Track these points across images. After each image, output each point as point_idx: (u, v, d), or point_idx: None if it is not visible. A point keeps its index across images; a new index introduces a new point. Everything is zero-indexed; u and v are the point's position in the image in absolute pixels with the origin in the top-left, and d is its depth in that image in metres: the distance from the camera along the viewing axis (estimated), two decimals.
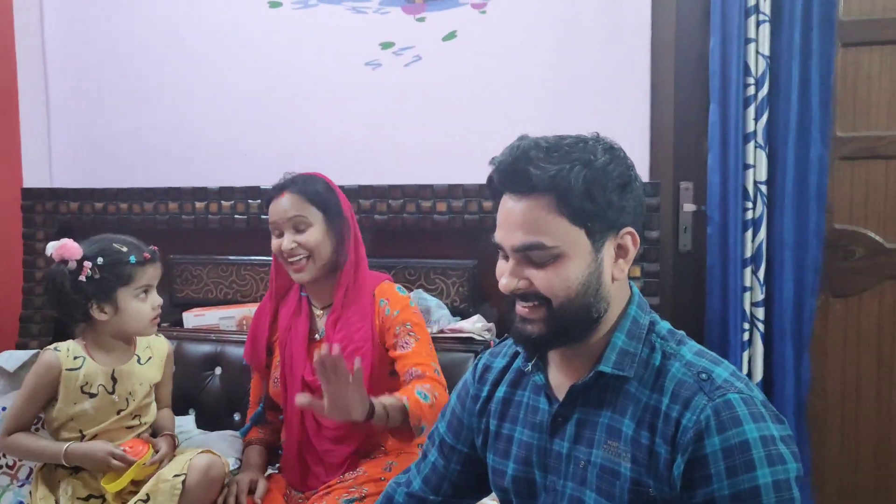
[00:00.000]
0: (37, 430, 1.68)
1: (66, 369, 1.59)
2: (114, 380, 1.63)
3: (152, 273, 1.63)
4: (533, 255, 1.00)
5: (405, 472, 1.34)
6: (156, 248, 1.66)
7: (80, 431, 1.61)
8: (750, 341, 2.09)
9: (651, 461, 0.98)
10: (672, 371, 1.00)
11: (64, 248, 1.56)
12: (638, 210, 1.04)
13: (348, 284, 1.72)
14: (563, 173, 0.97)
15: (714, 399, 0.95)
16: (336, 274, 1.73)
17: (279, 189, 1.72)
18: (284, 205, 1.69)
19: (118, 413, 1.63)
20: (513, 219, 1.01)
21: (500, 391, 1.19)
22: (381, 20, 2.33)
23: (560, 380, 1.10)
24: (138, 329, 1.63)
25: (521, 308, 1.03)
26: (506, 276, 1.02)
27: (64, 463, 1.58)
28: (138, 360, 1.68)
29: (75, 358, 1.61)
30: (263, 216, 2.28)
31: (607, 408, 1.04)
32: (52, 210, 2.48)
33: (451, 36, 2.29)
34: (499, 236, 1.04)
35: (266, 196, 1.76)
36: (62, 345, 1.64)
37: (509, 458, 1.15)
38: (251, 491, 1.66)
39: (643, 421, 1.00)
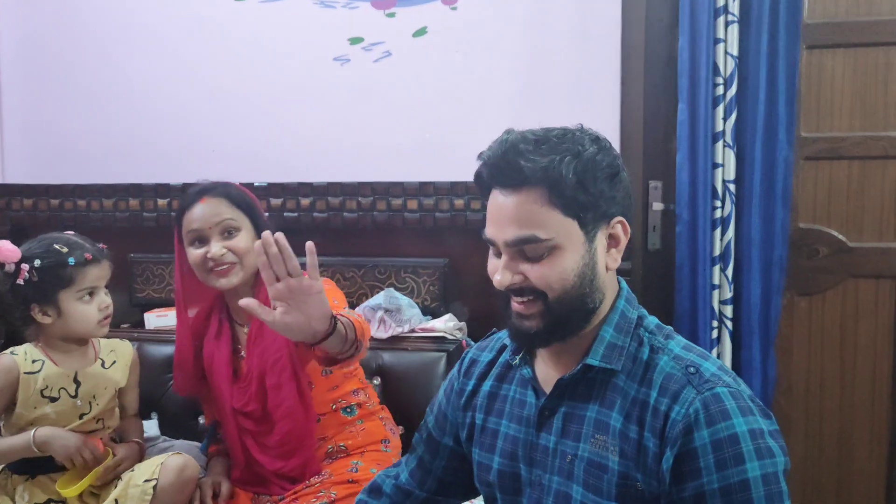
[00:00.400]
0: None
1: (25, 372, 1.53)
2: (76, 382, 1.57)
3: (96, 274, 1.56)
4: (527, 249, 0.99)
5: (395, 464, 1.34)
6: (104, 246, 1.60)
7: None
8: (718, 339, 2.11)
9: (640, 455, 0.97)
10: (660, 365, 1.00)
11: (3, 251, 1.51)
12: (627, 200, 1.04)
13: (266, 296, 1.62)
14: (553, 164, 0.97)
15: (703, 392, 0.95)
16: (256, 285, 1.62)
17: (198, 194, 1.61)
18: (209, 209, 1.58)
19: (80, 417, 1.58)
20: (505, 213, 1.00)
21: (486, 385, 1.18)
22: (350, 15, 2.29)
23: (547, 373, 1.09)
24: (85, 331, 1.57)
25: (516, 304, 1.03)
26: (500, 271, 1.01)
27: (35, 450, 1.50)
28: (102, 364, 1.63)
29: (34, 361, 1.55)
30: None
31: (594, 401, 1.03)
32: (3, 207, 2.39)
33: (422, 32, 2.26)
34: (490, 232, 1.03)
35: (181, 204, 1.63)
36: (19, 348, 1.57)
37: (495, 452, 1.14)
38: (215, 494, 1.61)
39: (631, 415, 0.99)
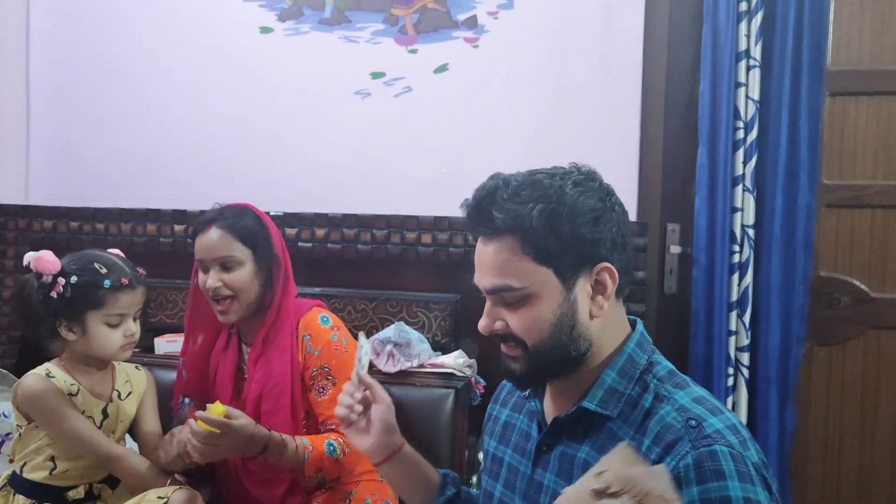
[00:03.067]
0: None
1: (68, 395, 1.50)
2: (104, 414, 1.55)
3: (128, 300, 1.52)
4: (505, 297, 0.99)
5: None
6: (143, 272, 1.57)
7: (52, 459, 1.51)
8: (734, 387, 2.06)
9: None
10: (660, 413, 0.96)
11: (41, 261, 1.49)
12: (617, 240, 1.01)
13: (271, 322, 1.63)
14: (524, 213, 0.96)
15: (698, 448, 0.89)
16: (260, 312, 1.64)
17: (206, 223, 1.62)
18: (211, 241, 1.59)
19: None
20: (484, 261, 1.01)
21: (504, 413, 1.20)
22: (373, 50, 2.32)
23: (551, 409, 1.08)
24: (106, 355, 1.54)
25: (503, 346, 1.04)
26: (483, 318, 1.03)
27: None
28: (119, 396, 1.60)
29: (71, 384, 1.52)
30: None
31: (587, 443, 1.01)
32: (25, 228, 2.42)
33: (443, 69, 2.28)
34: (475, 278, 1.04)
35: (193, 228, 1.65)
36: (51, 370, 1.52)
37: (498, 481, 1.13)
38: None
39: None
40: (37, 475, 1.52)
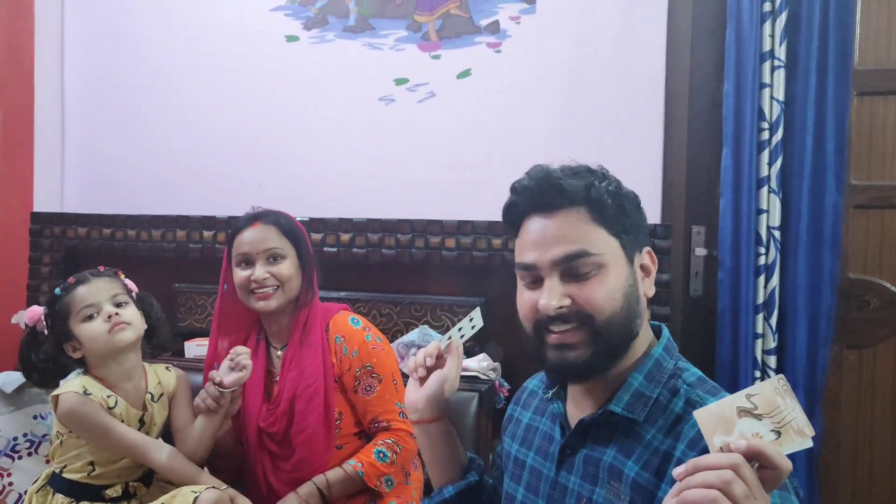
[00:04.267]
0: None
1: (108, 408, 1.56)
2: (141, 423, 1.61)
3: (85, 293, 1.57)
4: (576, 266, 0.98)
5: None
6: (101, 268, 1.64)
7: (92, 464, 1.57)
8: None
9: None
10: (694, 419, 0.96)
11: (29, 314, 1.61)
12: (648, 234, 1.09)
13: (303, 322, 1.68)
14: (595, 186, 1.00)
15: None
16: (294, 311, 1.70)
17: (251, 219, 1.68)
18: (259, 235, 1.66)
19: None
20: (549, 234, 1.00)
21: (526, 416, 1.19)
22: (396, 56, 2.34)
23: (574, 412, 1.08)
24: (102, 348, 1.57)
25: (556, 336, 0.99)
26: (545, 295, 0.98)
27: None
28: (152, 398, 1.64)
29: (108, 396, 1.57)
30: None
31: (613, 446, 1.00)
32: (59, 235, 2.48)
33: (466, 74, 2.30)
34: (531, 257, 1.01)
35: (234, 227, 1.70)
36: (76, 385, 1.57)
37: (520, 483, 1.13)
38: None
39: (650, 465, 0.95)
40: (76, 476, 1.57)
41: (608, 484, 0.99)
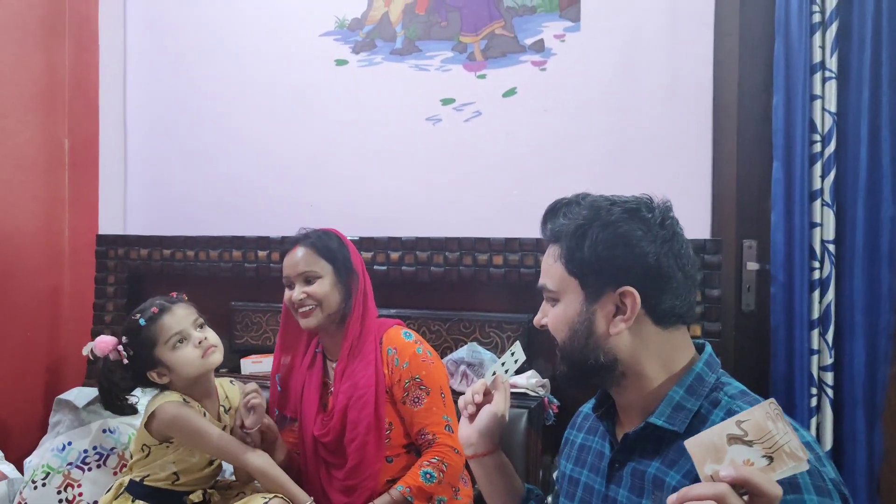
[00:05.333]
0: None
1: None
2: None
3: (172, 321, 1.63)
4: (546, 295, 1.13)
5: None
6: (174, 294, 1.70)
7: (176, 474, 1.65)
8: (818, 407, 2.00)
9: None
10: None
11: (99, 345, 1.65)
12: (653, 269, 1.04)
13: (355, 335, 1.76)
14: (565, 226, 1.08)
15: None
16: (343, 325, 1.77)
17: (293, 243, 1.80)
18: (296, 259, 1.76)
19: (210, 464, 1.69)
20: (543, 263, 1.14)
21: (579, 437, 1.24)
22: (442, 77, 2.38)
23: (621, 428, 1.13)
24: (195, 372, 1.64)
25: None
26: (538, 312, 1.15)
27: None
28: (225, 410, 1.73)
29: (200, 407, 1.66)
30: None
31: (657, 459, 1.03)
32: (123, 256, 2.58)
33: (511, 92, 2.32)
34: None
35: (281, 249, 1.84)
36: (173, 396, 1.65)
37: (573, 500, 1.17)
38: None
39: (690, 473, 0.97)
40: (160, 484, 1.64)
41: (653, 495, 1.01)
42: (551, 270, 1.10)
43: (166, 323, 1.63)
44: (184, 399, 1.63)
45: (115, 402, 1.67)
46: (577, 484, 1.17)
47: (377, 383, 1.71)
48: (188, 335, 1.64)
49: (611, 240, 1.04)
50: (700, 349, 1.11)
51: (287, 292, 1.78)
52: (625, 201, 1.07)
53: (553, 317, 1.10)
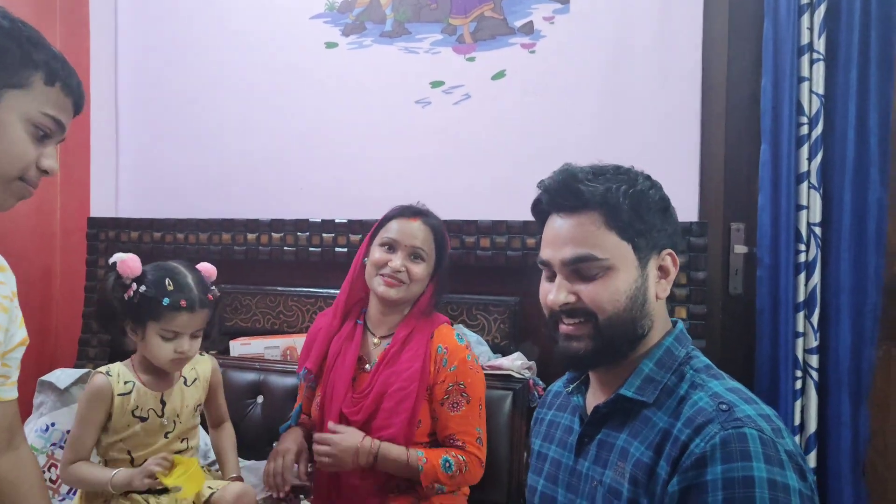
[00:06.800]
0: None
1: (118, 394, 1.59)
2: (163, 402, 1.63)
3: (184, 321, 1.57)
4: (583, 268, 1.04)
5: None
6: (212, 297, 1.62)
7: (129, 453, 1.62)
8: (803, 390, 2.00)
9: (650, 482, 0.96)
10: (693, 398, 1.00)
11: (124, 264, 1.58)
12: (676, 236, 1.10)
13: (414, 325, 1.73)
14: (611, 191, 1.04)
15: (727, 429, 0.92)
16: (409, 312, 1.75)
17: (413, 213, 1.76)
18: (415, 230, 1.73)
19: (166, 436, 1.64)
20: (563, 234, 1.06)
21: (549, 414, 1.25)
22: (432, 60, 2.38)
23: (591, 402, 1.13)
24: (156, 363, 1.61)
25: (565, 326, 1.07)
26: (554, 291, 1.07)
27: (111, 491, 1.57)
28: (185, 382, 1.69)
29: (125, 382, 1.61)
30: (312, 248, 2.35)
31: (625, 431, 1.04)
32: (114, 238, 2.59)
33: (500, 75, 2.32)
34: (547, 254, 1.08)
35: (395, 212, 1.78)
36: (113, 368, 1.63)
37: (541, 475, 1.18)
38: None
39: (652, 443, 0.99)
40: (120, 467, 1.61)
41: (616, 465, 1.03)
42: (596, 238, 1.03)
43: (179, 319, 1.57)
44: (107, 372, 1.60)
45: (104, 316, 1.63)
46: (545, 459, 1.18)
47: (422, 378, 1.68)
48: (180, 339, 1.59)
49: (652, 203, 1.05)
50: (674, 325, 1.12)
51: (382, 254, 1.72)
52: (635, 170, 1.10)
53: (607, 289, 1.03)
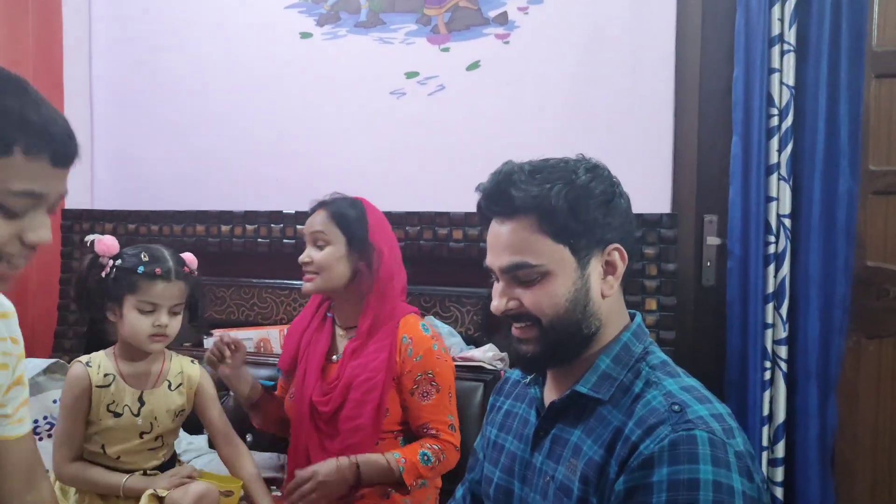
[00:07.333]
0: None
1: (96, 386, 1.56)
2: (140, 402, 1.59)
3: (161, 290, 1.54)
4: (520, 275, 1.02)
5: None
6: (188, 270, 1.59)
7: (103, 447, 1.58)
8: (772, 381, 2.01)
9: (600, 481, 0.96)
10: (647, 398, 0.98)
11: (101, 243, 1.56)
12: (626, 226, 1.06)
13: (375, 314, 1.71)
14: (544, 193, 1.00)
15: (678, 431, 0.91)
16: (361, 299, 1.73)
17: (317, 205, 1.76)
18: (314, 221, 1.72)
19: (141, 436, 1.60)
20: (500, 241, 1.04)
21: (506, 403, 1.23)
22: (406, 50, 2.37)
23: (549, 396, 1.11)
24: (135, 341, 1.57)
25: (514, 329, 1.06)
26: (496, 297, 1.05)
27: (121, 495, 1.56)
28: (168, 386, 1.64)
29: (105, 375, 1.57)
30: (286, 240, 2.35)
31: (579, 427, 1.03)
32: (88, 230, 2.57)
33: (475, 66, 2.31)
34: (488, 260, 1.07)
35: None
36: (94, 358, 1.60)
37: (497, 466, 1.17)
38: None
39: (605, 442, 0.98)
40: (98, 460, 1.59)
41: (568, 462, 1.02)
42: (530, 244, 1.00)
43: (155, 289, 1.54)
44: (87, 363, 1.57)
45: (82, 299, 1.59)
46: (501, 450, 1.18)
47: (388, 369, 1.67)
48: (158, 312, 1.55)
49: (591, 199, 1.01)
50: (632, 318, 1.10)
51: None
52: (576, 161, 1.05)
53: (545, 295, 1.01)
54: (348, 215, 1.72)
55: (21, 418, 1.23)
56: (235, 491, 1.57)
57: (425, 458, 1.63)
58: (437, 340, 1.74)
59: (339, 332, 1.79)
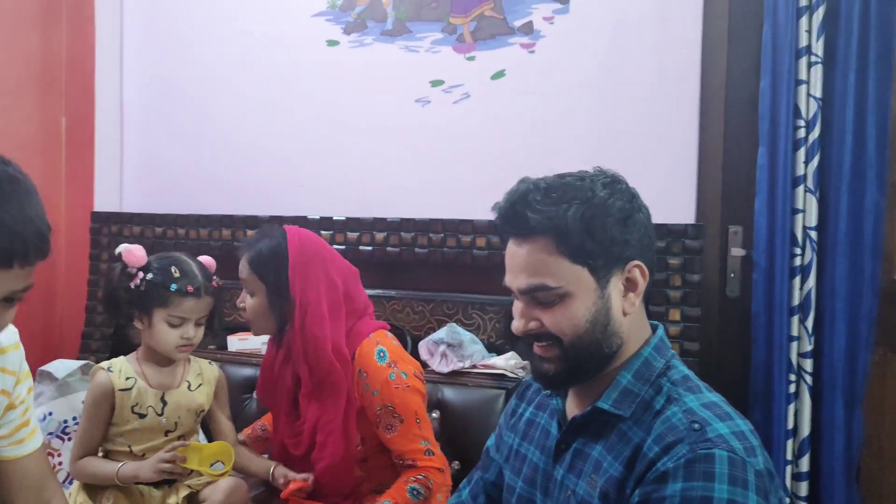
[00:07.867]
0: None
1: (119, 390, 1.61)
2: (163, 402, 1.64)
3: (190, 307, 1.61)
4: (539, 297, 1.01)
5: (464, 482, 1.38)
6: (216, 284, 1.65)
7: (129, 447, 1.63)
8: (797, 394, 1.99)
9: (619, 498, 0.96)
10: (667, 414, 0.98)
11: (130, 253, 1.61)
12: (645, 241, 1.04)
13: (311, 371, 1.63)
14: (559, 214, 0.99)
15: (696, 450, 0.91)
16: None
17: (243, 247, 1.71)
18: (239, 269, 1.68)
19: (165, 434, 1.65)
20: (516, 262, 1.03)
21: (528, 411, 1.22)
22: (432, 59, 2.38)
23: (570, 409, 1.12)
24: (162, 350, 1.64)
25: (536, 347, 1.06)
26: (516, 317, 1.05)
27: (118, 483, 1.59)
28: (189, 387, 1.69)
29: (127, 378, 1.62)
30: None
31: (601, 442, 1.03)
32: (117, 233, 2.62)
33: (500, 75, 2.32)
34: (507, 280, 1.07)
35: None
36: (115, 364, 1.65)
37: (520, 476, 1.17)
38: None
39: (625, 459, 0.98)
40: (121, 458, 1.64)
41: (589, 477, 1.02)
42: (548, 266, 0.99)
43: (185, 305, 1.60)
44: (109, 368, 1.62)
45: (111, 306, 1.66)
46: (523, 460, 1.18)
47: (347, 406, 1.62)
48: (186, 325, 1.62)
49: (608, 217, 1.00)
50: (654, 329, 1.10)
51: None
52: (593, 176, 1.04)
53: (564, 316, 1.00)
54: (265, 262, 1.64)
55: (21, 439, 1.25)
56: (226, 463, 1.59)
57: (415, 492, 1.58)
58: (395, 366, 1.63)
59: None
